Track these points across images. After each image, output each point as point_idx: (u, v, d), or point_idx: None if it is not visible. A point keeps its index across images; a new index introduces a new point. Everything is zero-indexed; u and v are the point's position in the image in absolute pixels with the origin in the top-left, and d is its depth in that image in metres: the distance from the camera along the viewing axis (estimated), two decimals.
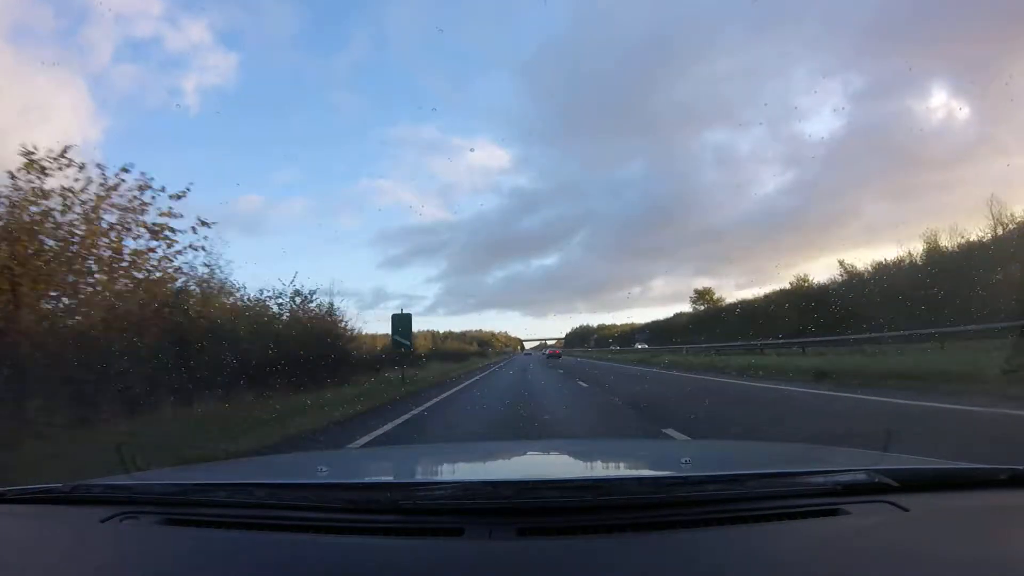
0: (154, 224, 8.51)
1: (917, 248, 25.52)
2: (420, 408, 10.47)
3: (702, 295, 48.90)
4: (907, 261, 25.31)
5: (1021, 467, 1.24)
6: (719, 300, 46.42)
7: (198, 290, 10.41)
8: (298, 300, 15.71)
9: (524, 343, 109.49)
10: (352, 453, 4.37)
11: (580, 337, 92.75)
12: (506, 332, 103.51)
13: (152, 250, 8.56)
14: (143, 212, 8.44)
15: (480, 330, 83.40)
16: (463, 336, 71.64)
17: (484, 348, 69.81)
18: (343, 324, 17.58)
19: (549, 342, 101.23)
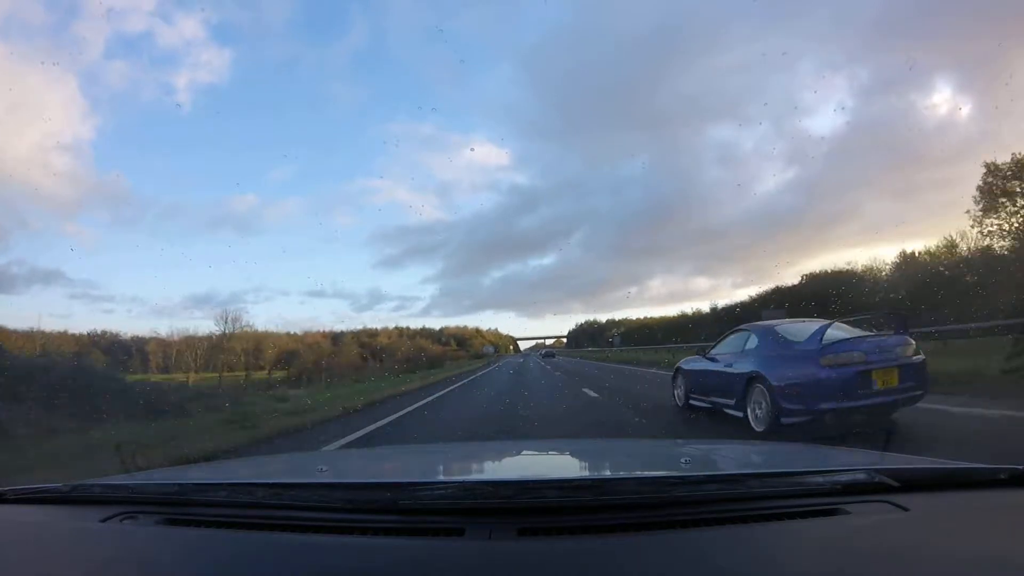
0: None
1: None
2: None
3: None
4: None
5: (1021, 467, 1.24)
6: None
7: None
8: None
9: (518, 342, 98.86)
10: (352, 453, 4.37)
11: (588, 335, 77.92)
12: (496, 329, 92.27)
13: None
14: None
15: (464, 327, 73.61)
16: (440, 334, 63.28)
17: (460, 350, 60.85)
18: None
19: (548, 341, 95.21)
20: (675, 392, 8.28)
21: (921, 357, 5.66)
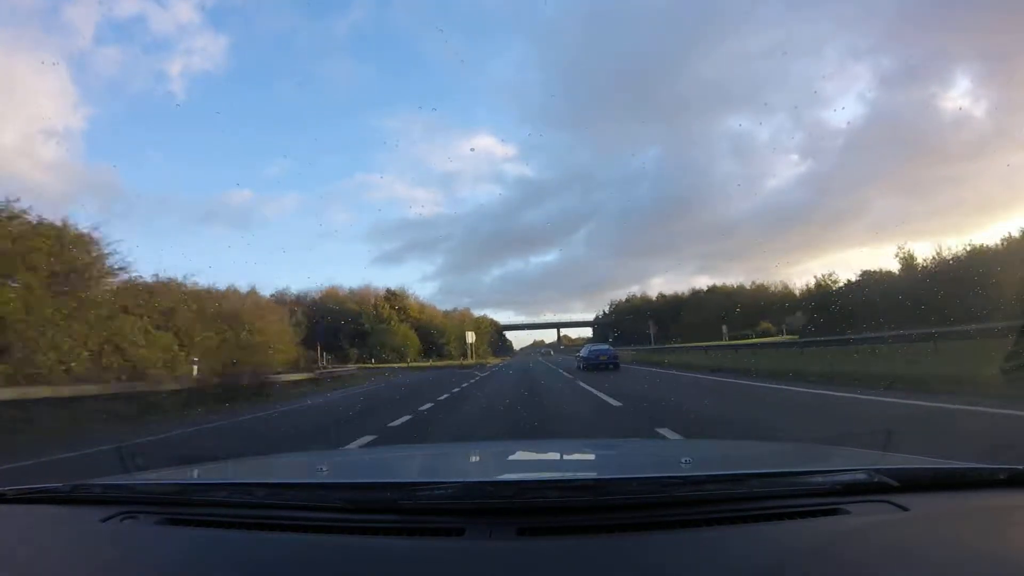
0: None
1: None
2: None
3: None
4: None
5: (1021, 467, 1.24)
6: None
7: None
8: None
9: (506, 332, 75.55)
10: (352, 453, 4.37)
11: (643, 320, 48.78)
12: (466, 309, 65.13)
13: None
14: None
15: (388, 289, 48.22)
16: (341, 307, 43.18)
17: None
18: None
19: (562, 333, 77.57)
20: (576, 364, 27.82)
21: (614, 351, 25.99)
